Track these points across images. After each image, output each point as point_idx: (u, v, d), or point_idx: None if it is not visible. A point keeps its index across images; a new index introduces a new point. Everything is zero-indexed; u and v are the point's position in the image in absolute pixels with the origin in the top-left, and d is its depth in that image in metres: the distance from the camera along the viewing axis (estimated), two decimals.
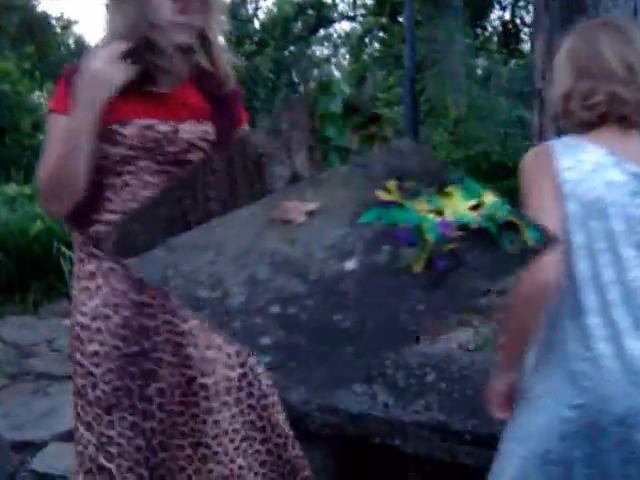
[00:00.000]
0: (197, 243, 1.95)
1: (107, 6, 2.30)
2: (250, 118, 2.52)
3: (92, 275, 2.30)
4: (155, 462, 2.07)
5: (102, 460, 2.10)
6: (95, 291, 2.28)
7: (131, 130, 2.28)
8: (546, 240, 1.82)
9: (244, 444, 2.25)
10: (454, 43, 11.57)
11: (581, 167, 2.13)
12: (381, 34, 17.65)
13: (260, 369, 2.33)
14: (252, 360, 2.33)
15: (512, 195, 2.08)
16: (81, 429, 2.19)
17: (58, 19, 24.97)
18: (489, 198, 1.97)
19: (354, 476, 2.87)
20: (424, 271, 1.83)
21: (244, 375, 2.35)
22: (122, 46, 2.20)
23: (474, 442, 2.64)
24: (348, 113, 3.17)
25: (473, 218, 1.91)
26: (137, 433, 2.08)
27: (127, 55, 2.20)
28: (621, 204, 2.11)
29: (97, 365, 2.15)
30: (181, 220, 2.25)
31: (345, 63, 28.32)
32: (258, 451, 2.28)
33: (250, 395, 2.33)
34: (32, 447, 4.35)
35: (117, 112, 2.27)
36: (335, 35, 27.51)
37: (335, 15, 21.39)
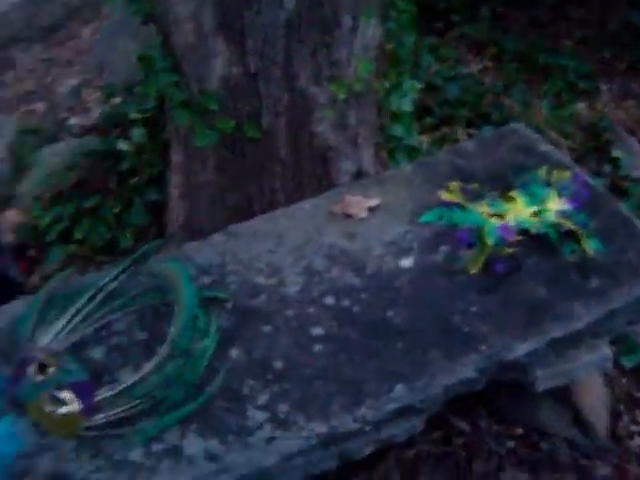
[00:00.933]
0: (258, 231, 2.00)
1: None
2: None
3: None
4: None
5: None
6: None
7: None
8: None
9: None
10: None
11: None
12: None
13: None
14: None
15: None
16: None
17: None
18: (554, 205, 1.97)
19: None
20: (481, 274, 1.83)
21: None
22: None
23: None
24: (422, 112, 3.18)
25: (534, 224, 1.90)
26: None
27: None
28: None
29: None
30: (246, 208, 2.29)
31: None
32: None
33: None
34: None
35: None
36: None
37: None
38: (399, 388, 1.61)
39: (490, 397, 2.18)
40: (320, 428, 1.54)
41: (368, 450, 1.66)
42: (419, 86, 2.36)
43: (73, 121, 3.64)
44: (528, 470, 2.21)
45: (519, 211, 1.95)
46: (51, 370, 1.64)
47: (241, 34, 2.01)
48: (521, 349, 1.69)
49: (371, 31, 2.13)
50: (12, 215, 3.04)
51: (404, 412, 1.62)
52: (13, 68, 4.53)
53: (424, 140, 3.01)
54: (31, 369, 1.64)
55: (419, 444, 2.18)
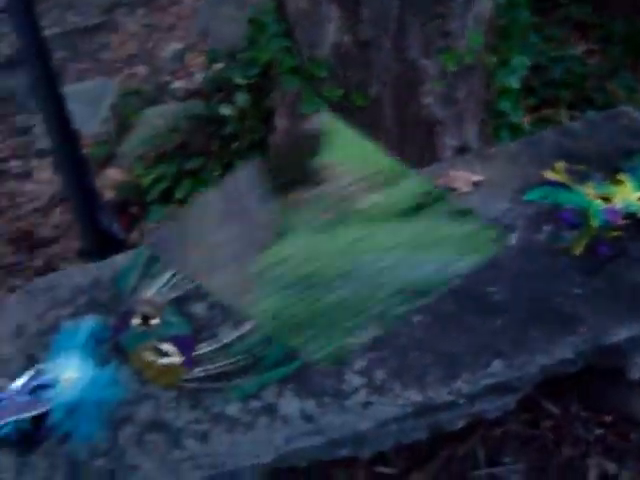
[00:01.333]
0: None
1: None
2: None
3: None
4: None
5: None
6: None
7: None
8: None
9: None
10: None
11: None
12: None
13: None
14: None
15: None
16: None
17: None
18: None
19: None
20: (584, 255, 1.80)
21: None
22: None
23: None
24: (525, 92, 3.14)
25: None
26: None
27: None
28: None
29: None
30: None
31: None
32: None
33: None
34: None
35: None
36: None
37: None
38: (496, 364, 1.60)
39: (582, 382, 2.15)
40: (416, 397, 1.55)
41: (460, 423, 1.65)
42: (528, 63, 2.32)
43: (176, 85, 3.70)
44: (615, 459, 2.18)
45: (627, 195, 1.91)
46: (154, 322, 1.69)
47: (355, 2, 2.01)
48: (621, 334, 1.66)
49: (484, 4, 2.11)
50: (113, 173, 3.12)
51: (499, 388, 1.61)
52: (116, 32, 4.62)
53: (526, 120, 2.97)
54: (135, 320, 1.69)
55: (507, 424, 2.17)
